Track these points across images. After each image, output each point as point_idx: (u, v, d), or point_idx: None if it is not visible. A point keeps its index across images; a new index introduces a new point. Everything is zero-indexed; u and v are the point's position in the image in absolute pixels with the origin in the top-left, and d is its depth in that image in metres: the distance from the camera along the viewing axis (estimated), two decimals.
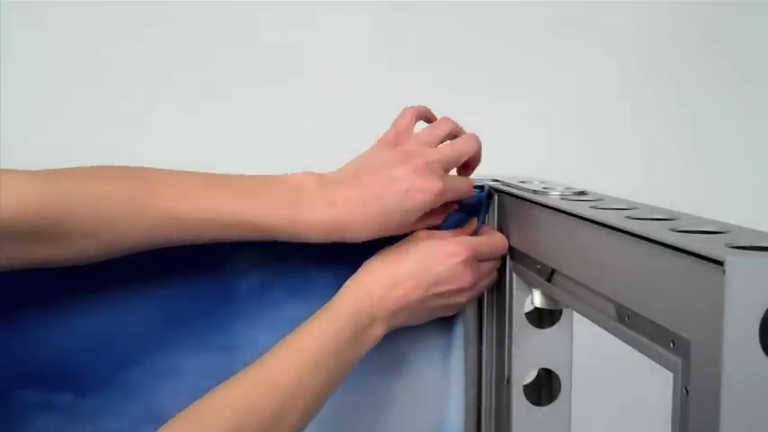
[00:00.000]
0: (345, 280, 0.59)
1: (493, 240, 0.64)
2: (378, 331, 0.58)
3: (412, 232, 0.62)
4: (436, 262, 0.59)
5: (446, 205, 0.63)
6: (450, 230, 0.64)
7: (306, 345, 0.55)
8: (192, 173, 0.56)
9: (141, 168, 0.54)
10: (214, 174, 0.57)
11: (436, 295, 0.60)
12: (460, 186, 0.63)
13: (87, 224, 0.50)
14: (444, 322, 0.66)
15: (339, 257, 0.62)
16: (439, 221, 0.63)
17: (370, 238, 0.58)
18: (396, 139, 0.61)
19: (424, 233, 0.62)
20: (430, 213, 0.61)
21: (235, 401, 0.51)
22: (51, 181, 0.49)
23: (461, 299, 0.62)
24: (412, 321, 0.61)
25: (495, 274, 0.65)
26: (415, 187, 0.57)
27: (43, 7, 1.00)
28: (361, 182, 0.57)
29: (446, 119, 0.64)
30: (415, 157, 0.58)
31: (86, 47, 1.03)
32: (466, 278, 0.61)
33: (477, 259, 0.62)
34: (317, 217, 0.56)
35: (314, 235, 0.56)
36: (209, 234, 0.55)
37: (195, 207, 0.53)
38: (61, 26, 1.02)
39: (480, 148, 0.64)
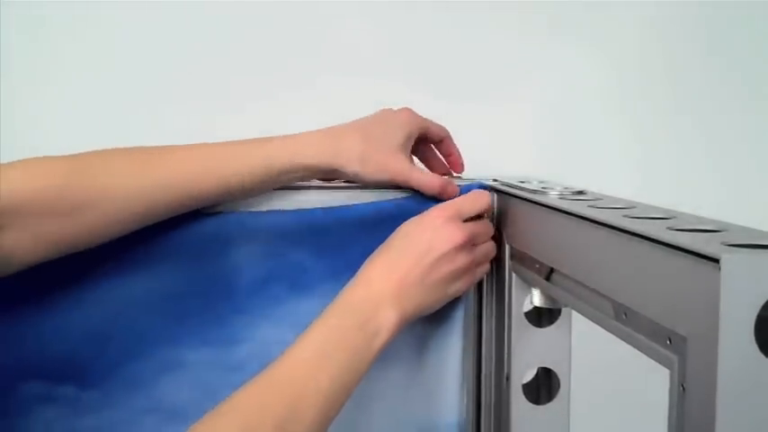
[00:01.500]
0: (343, 275, 0.60)
1: (473, 196, 0.65)
2: (387, 318, 0.56)
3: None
4: (419, 231, 0.61)
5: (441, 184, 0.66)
6: None
7: (311, 339, 0.54)
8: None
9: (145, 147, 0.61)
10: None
11: (434, 264, 0.59)
12: (434, 125, 0.71)
13: (103, 194, 0.56)
14: (443, 314, 0.66)
15: (338, 254, 0.63)
16: (429, 176, 0.66)
17: (376, 176, 0.64)
18: None
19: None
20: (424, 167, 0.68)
21: (248, 400, 0.51)
22: (67, 162, 0.56)
23: (462, 262, 0.61)
24: (427, 301, 0.60)
25: (491, 242, 0.65)
26: (395, 111, 0.67)
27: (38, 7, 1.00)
28: (348, 124, 0.66)
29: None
30: None
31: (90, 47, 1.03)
32: (456, 235, 0.60)
33: (460, 217, 0.63)
34: (313, 138, 0.63)
35: (319, 149, 0.62)
36: (218, 175, 0.60)
37: (199, 154, 0.60)
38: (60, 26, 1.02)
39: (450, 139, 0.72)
